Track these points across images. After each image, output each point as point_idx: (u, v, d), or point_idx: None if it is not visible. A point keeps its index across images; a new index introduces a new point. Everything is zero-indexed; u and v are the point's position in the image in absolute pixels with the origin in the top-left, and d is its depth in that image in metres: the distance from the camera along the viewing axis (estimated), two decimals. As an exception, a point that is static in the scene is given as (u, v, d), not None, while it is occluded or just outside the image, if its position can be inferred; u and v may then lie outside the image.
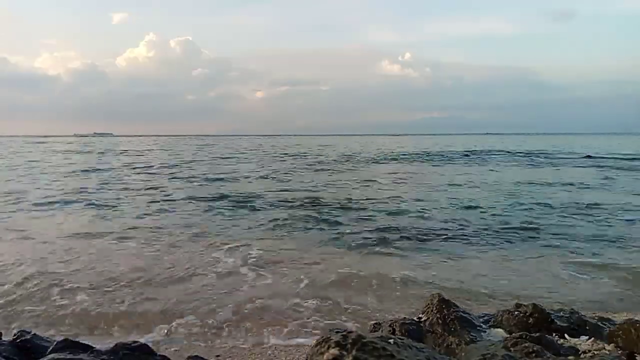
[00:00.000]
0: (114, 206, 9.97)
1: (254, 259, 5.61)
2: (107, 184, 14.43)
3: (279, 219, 8.26)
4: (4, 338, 2.33)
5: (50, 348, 2.08)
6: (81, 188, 13.02)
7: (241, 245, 6.30)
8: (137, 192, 12.41)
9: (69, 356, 1.95)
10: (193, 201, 10.59)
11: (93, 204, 10.20)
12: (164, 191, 12.61)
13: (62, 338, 2.16)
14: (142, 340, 2.18)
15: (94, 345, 2.11)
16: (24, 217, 8.72)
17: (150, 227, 7.66)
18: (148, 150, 42.66)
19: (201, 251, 6.09)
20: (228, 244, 6.40)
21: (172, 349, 3.26)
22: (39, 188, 13.23)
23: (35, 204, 10.08)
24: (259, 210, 9.43)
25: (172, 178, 16.25)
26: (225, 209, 9.55)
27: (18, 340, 2.20)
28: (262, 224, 7.96)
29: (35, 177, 16.58)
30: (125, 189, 13.29)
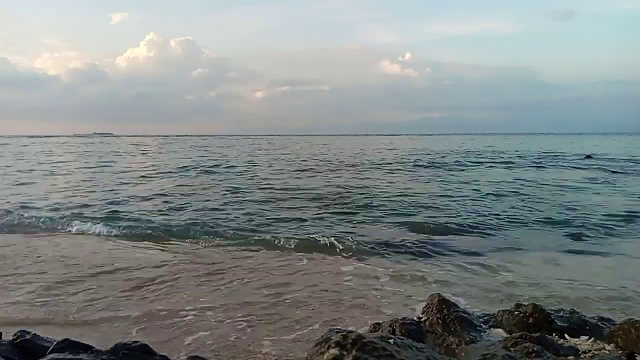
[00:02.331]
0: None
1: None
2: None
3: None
4: (3, 338, 2.33)
5: (50, 348, 2.08)
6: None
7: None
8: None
9: (69, 356, 1.95)
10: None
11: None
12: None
13: (62, 338, 2.16)
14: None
15: (93, 345, 2.11)
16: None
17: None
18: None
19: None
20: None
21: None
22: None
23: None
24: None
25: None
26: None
27: (18, 341, 2.20)
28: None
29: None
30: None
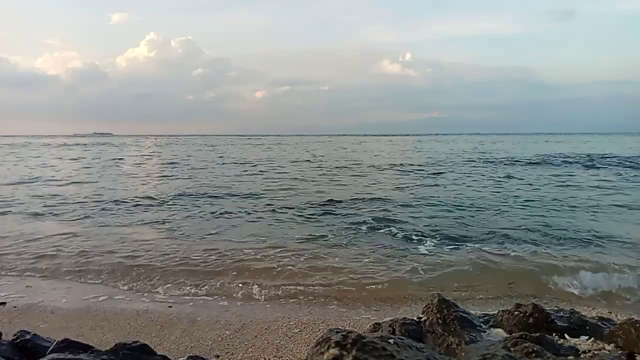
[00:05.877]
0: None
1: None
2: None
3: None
4: (3, 338, 2.33)
5: (50, 348, 2.09)
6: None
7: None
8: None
9: (69, 356, 1.95)
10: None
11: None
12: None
13: (62, 338, 2.16)
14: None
15: (93, 345, 2.11)
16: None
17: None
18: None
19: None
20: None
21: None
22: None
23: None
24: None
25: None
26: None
27: (18, 341, 2.20)
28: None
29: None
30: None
